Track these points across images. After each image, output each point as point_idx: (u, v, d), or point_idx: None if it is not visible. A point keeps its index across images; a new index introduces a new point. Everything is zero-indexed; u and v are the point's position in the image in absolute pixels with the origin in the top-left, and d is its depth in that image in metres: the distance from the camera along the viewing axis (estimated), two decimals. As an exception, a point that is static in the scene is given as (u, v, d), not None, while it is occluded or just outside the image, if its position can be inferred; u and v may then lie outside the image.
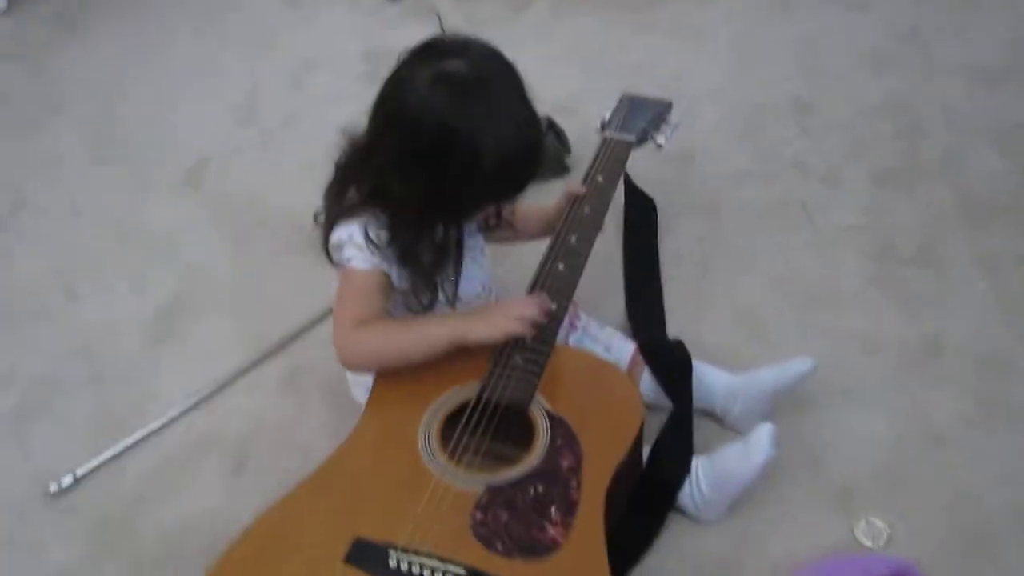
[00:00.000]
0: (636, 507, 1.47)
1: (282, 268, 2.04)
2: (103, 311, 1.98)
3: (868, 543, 1.49)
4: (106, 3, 3.05)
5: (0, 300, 2.02)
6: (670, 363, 1.63)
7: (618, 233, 2.01)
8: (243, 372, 1.82)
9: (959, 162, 2.20)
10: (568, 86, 2.44)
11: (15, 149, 2.47)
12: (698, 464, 1.51)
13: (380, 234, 1.39)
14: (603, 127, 1.88)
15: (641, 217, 2.03)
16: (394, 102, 1.33)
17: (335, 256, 1.43)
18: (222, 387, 1.80)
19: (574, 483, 1.30)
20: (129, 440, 1.71)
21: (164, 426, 1.73)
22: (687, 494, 1.50)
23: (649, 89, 2.00)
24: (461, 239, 1.45)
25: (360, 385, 1.58)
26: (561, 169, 2.21)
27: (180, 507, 1.61)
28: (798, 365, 1.59)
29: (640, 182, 2.06)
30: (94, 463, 1.67)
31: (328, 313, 1.86)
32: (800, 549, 1.48)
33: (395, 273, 1.42)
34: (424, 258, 1.39)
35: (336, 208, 1.44)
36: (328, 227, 1.44)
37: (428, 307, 1.46)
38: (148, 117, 2.55)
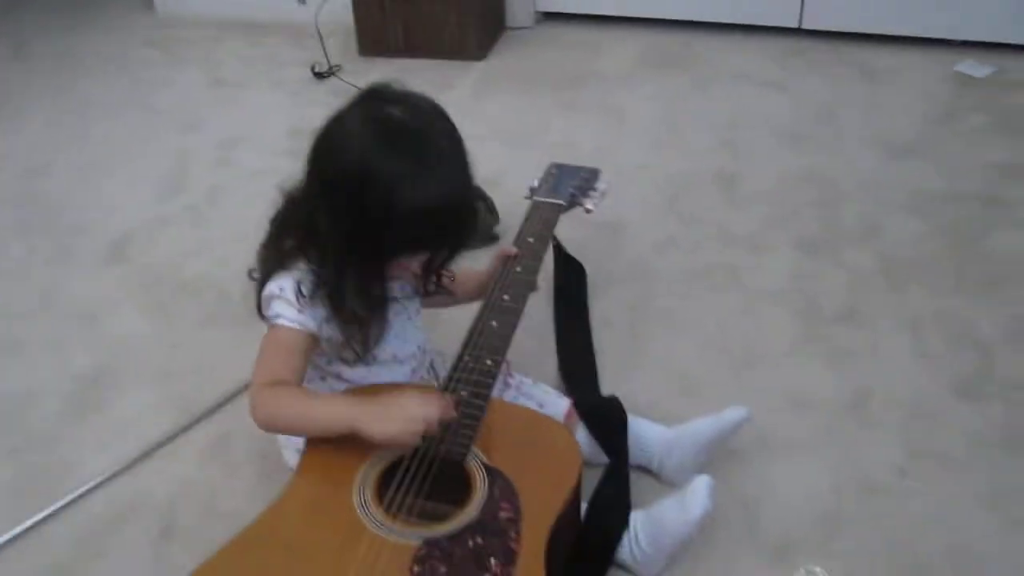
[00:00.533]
0: (575, 562, 1.45)
1: (208, 337, 2.01)
2: (21, 382, 1.92)
3: (809, 591, 1.48)
4: (33, 84, 3.05)
5: (-88, 371, 1.95)
6: (605, 418, 1.63)
7: (549, 299, 2.02)
8: (169, 439, 1.77)
9: (877, 227, 2.27)
10: (493, 162, 2.47)
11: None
12: (636, 519, 1.49)
13: (311, 288, 1.38)
14: (532, 193, 1.90)
15: (572, 281, 2.04)
16: (325, 140, 1.34)
17: (264, 309, 1.42)
18: (147, 454, 1.74)
19: (513, 534, 1.28)
20: (49, 509, 1.64)
21: (86, 494, 1.67)
22: (626, 549, 1.48)
23: (574, 162, 2.04)
24: (385, 291, 1.44)
25: (291, 448, 1.55)
26: (490, 239, 2.23)
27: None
28: (732, 414, 1.60)
29: (568, 250, 2.08)
30: (11, 533, 1.60)
31: (256, 380, 1.83)
32: (742, 600, 1.47)
33: (323, 331, 1.41)
34: (348, 303, 1.38)
35: (271, 262, 1.43)
36: (262, 281, 1.43)
37: (357, 360, 1.45)
38: (73, 192, 2.52)
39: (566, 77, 3.00)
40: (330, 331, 1.41)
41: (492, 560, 1.24)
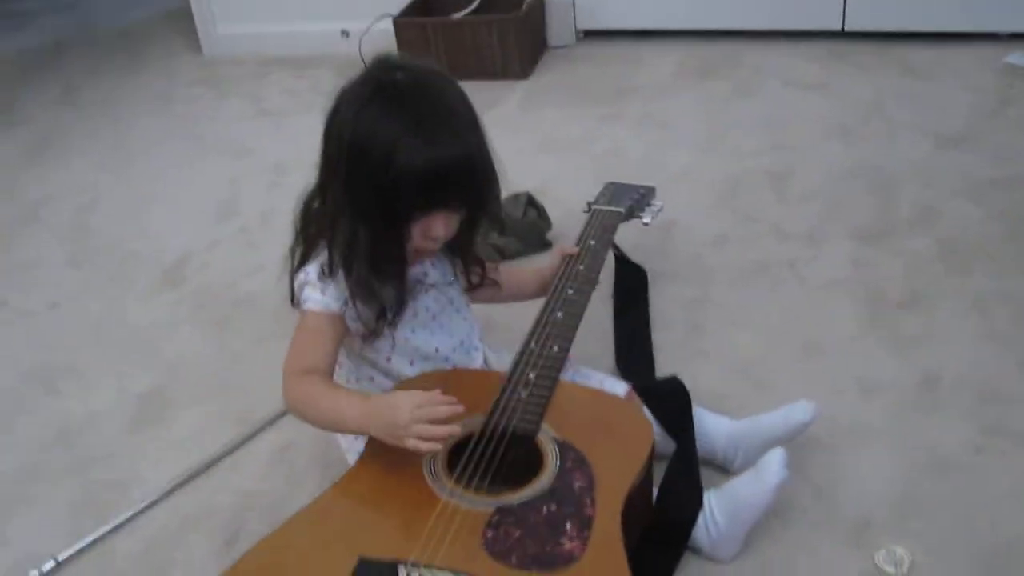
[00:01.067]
0: (649, 547, 1.41)
1: (265, 352, 2.00)
2: (84, 403, 1.93)
3: (891, 570, 1.43)
4: (82, 124, 3.10)
5: (-24, 399, 1.96)
6: (668, 398, 1.59)
7: (608, 303, 2.00)
8: (231, 450, 1.77)
9: (933, 215, 2.23)
10: (542, 173, 2.47)
11: (-11, 260, 2.45)
12: (710, 497, 1.46)
13: (331, 268, 1.40)
14: (590, 206, 1.91)
15: (632, 283, 2.03)
16: (330, 112, 1.37)
17: (296, 295, 1.45)
18: (210, 465, 1.74)
19: (588, 500, 1.25)
20: (113, 523, 1.63)
21: (150, 507, 1.67)
22: (702, 530, 1.44)
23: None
24: (403, 261, 1.42)
25: (353, 452, 1.53)
26: (542, 245, 2.22)
27: (170, 587, 1.53)
28: (799, 415, 1.56)
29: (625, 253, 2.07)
30: (77, 547, 1.60)
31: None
32: (822, 584, 1.43)
33: (348, 313, 1.42)
34: (364, 274, 1.38)
35: (298, 254, 1.47)
36: (294, 270, 1.46)
37: (374, 335, 1.45)
38: (124, 223, 2.55)
39: (609, 90, 3.00)
40: (356, 312, 1.42)
41: (568, 524, 1.22)
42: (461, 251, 1.55)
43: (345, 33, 3.39)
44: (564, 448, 1.33)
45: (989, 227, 2.17)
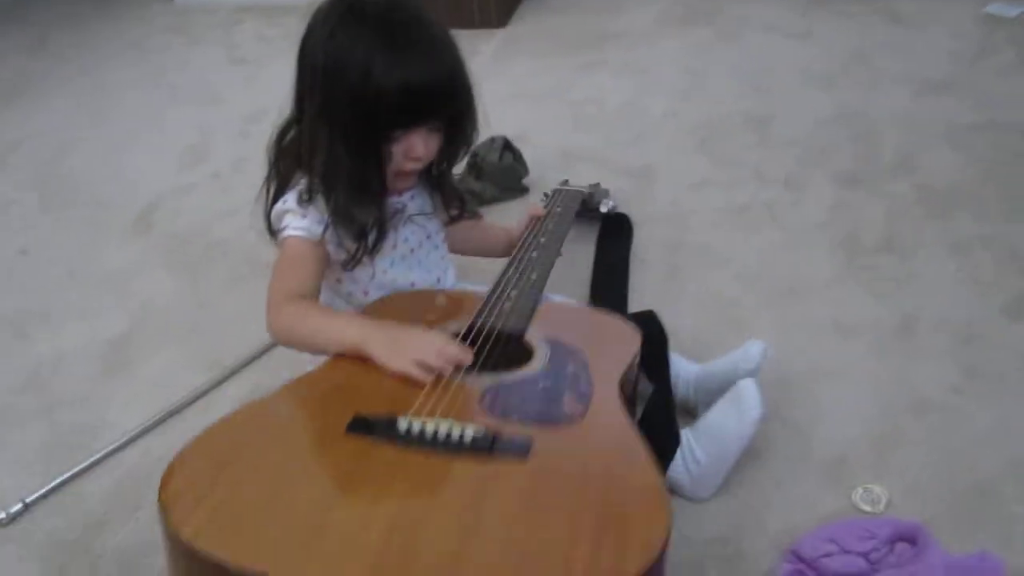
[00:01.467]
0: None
1: (236, 296, 1.98)
2: (54, 347, 1.89)
3: (868, 508, 1.42)
4: (55, 71, 3.04)
5: (-58, 343, 1.93)
6: (646, 336, 1.57)
7: (589, 247, 1.99)
8: (202, 393, 1.74)
9: (914, 160, 2.21)
10: (520, 120, 2.43)
11: (-43, 205, 2.40)
12: (688, 435, 1.45)
13: (309, 193, 1.38)
14: (547, 197, 1.93)
15: (616, 229, 2.02)
16: (304, 36, 1.34)
17: (274, 226, 1.42)
18: (181, 408, 1.71)
19: (583, 379, 1.23)
20: (82, 465, 1.61)
21: (120, 448, 1.64)
22: (681, 469, 1.43)
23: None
24: (380, 183, 1.40)
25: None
26: (519, 189, 2.19)
27: (141, 528, 1.50)
28: (747, 358, 1.54)
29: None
30: (45, 489, 1.57)
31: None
32: (799, 521, 1.41)
33: (329, 237, 1.39)
34: (342, 197, 1.36)
35: (274, 185, 1.44)
36: (270, 205, 1.43)
37: (354, 260, 1.42)
38: (96, 168, 2.50)
39: (588, 38, 2.97)
40: (336, 238, 1.40)
41: (566, 395, 1.19)
42: (439, 180, 1.53)
43: (320, -20, 3.33)
44: (555, 343, 1.32)
45: (969, 172, 2.16)
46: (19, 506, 1.54)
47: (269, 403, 1.19)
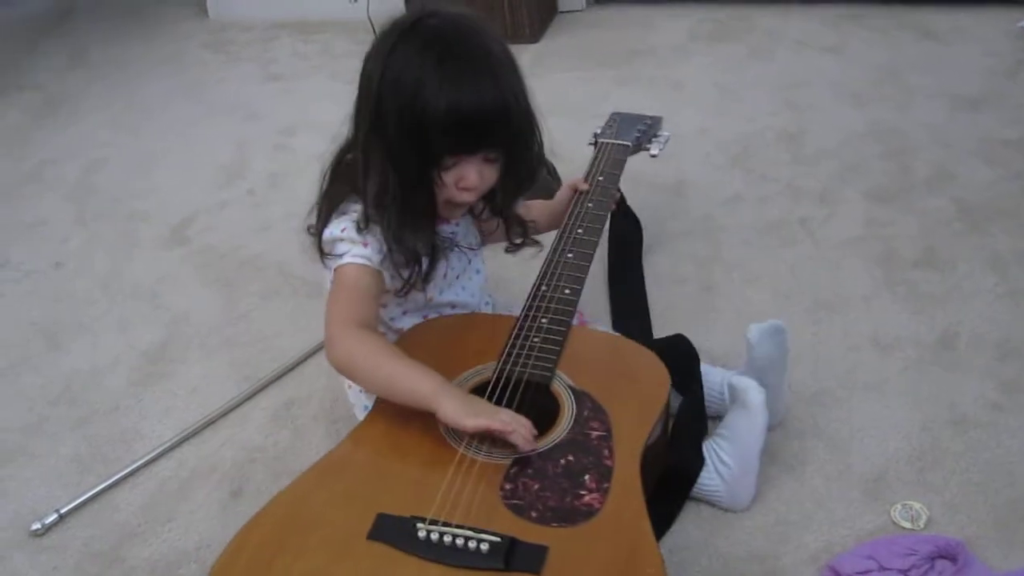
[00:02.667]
0: (654, 498, 1.39)
1: (270, 310, 1.99)
2: (88, 360, 1.90)
3: (907, 525, 1.41)
4: (89, 87, 3.07)
5: (-22, 355, 1.94)
6: (674, 355, 1.55)
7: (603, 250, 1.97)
8: (235, 405, 1.74)
9: (950, 175, 2.19)
10: (552, 135, 2.40)
11: (-6, 218, 2.42)
12: (712, 444, 1.46)
13: (366, 221, 1.35)
14: (595, 138, 1.87)
15: (628, 233, 1.99)
16: (365, 59, 1.33)
17: (328, 252, 1.39)
18: (214, 420, 1.71)
19: (606, 451, 1.23)
20: (116, 476, 1.61)
21: (154, 460, 1.65)
22: (715, 477, 1.42)
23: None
24: (433, 207, 1.39)
25: (360, 407, 1.51)
26: (552, 202, 2.18)
27: (174, 538, 1.51)
28: (750, 337, 1.53)
29: (633, 209, 2.02)
30: (79, 500, 1.58)
31: (320, 346, 1.80)
32: (838, 538, 1.40)
33: (386, 267, 1.37)
34: (398, 226, 1.33)
35: (326, 208, 1.41)
36: (321, 227, 1.40)
37: (408, 285, 1.41)
38: (131, 183, 2.52)
39: (620, 53, 2.96)
40: (392, 266, 1.38)
41: (586, 476, 1.20)
42: (502, 210, 1.50)
43: (353, -1, 3.35)
44: (580, 396, 1.31)
45: (1005, 187, 2.14)
46: (54, 516, 1.55)
47: (296, 497, 1.20)
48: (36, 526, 1.53)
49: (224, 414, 1.73)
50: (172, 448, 1.67)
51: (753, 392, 1.42)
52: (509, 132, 1.32)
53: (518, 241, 1.57)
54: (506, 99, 1.29)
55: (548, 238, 1.62)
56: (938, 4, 3.01)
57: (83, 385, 1.84)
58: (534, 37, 3.10)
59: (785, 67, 2.78)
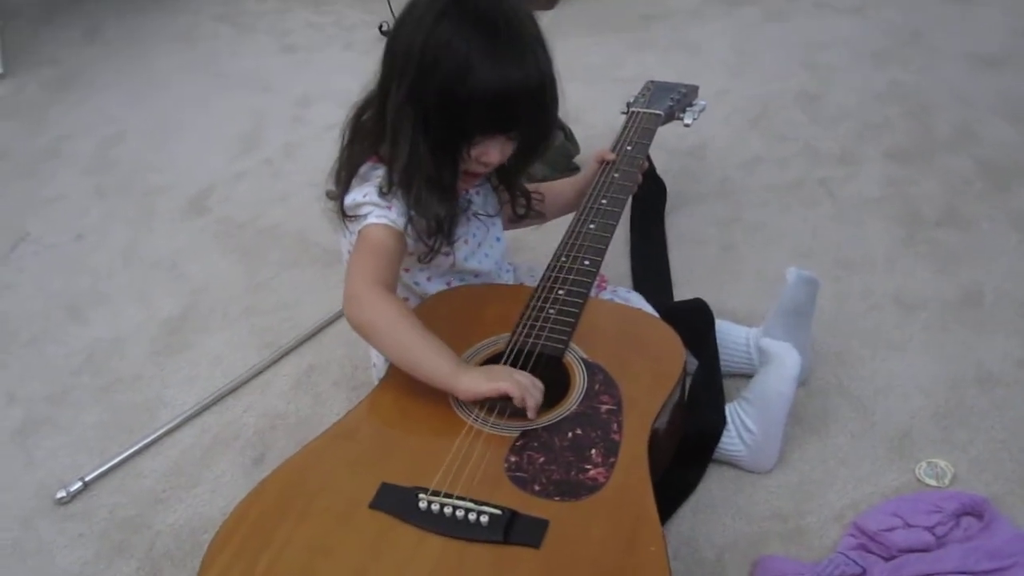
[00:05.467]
0: (675, 463, 1.39)
1: (290, 279, 1.98)
2: (109, 330, 1.91)
3: (933, 483, 1.40)
4: (105, 62, 3.06)
5: (3, 327, 1.94)
6: (691, 318, 1.55)
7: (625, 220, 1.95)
8: (256, 373, 1.75)
9: (972, 135, 2.17)
10: (571, 99, 2.36)
11: (14, 193, 2.41)
12: (736, 408, 1.45)
13: (388, 186, 1.35)
14: (628, 107, 1.85)
15: (651, 196, 1.97)
16: (399, 24, 1.32)
17: (351, 216, 1.38)
18: (235, 388, 1.72)
19: (615, 426, 1.22)
20: (140, 443, 1.62)
21: (177, 427, 1.65)
22: (737, 442, 1.42)
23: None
24: (456, 180, 1.37)
25: (380, 368, 1.51)
26: (570, 168, 2.17)
27: (199, 504, 1.52)
28: (791, 275, 1.52)
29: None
30: (103, 468, 1.58)
31: (340, 314, 1.81)
32: (863, 496, 1.40)
33: (409, 230, 1.36)
34: (422, 193, 1.32)
35: (347, 171, 1.40)
36: (342, 192, 1.40)
37: (433, 252, 1.40)
38: (148, 156, 2.52)
39: (636, 18, 2.94)
40: (415, 230, 1.37)
41: (593, 451, 1.19)
42: (509, 182, 1.51)
43: (367, -32, 3.33)
44: (592, 369, 1.30)
45: (1028, 147, 2.12)
46: (79, 484, 1.56)
47: (302, 465, 1.21)
48: (61, 494, 1.54)
49: (246, 381, 1.73)
50: (195, 416, 1.67)
51: (790, 358, 1.40)
52: (542, 113, 1.33)
53: (521, 212, 1.56)
54: (544, 82, 1.30)
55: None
56: (958, -37, 2.98)
57: (106, 355, 1.84)
58: (550, 3, 3.08)
59: (803, 29, 2.75)
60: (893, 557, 1.27)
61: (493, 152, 1.34)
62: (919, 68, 2.47)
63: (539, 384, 1.24)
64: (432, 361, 1.26)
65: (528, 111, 1.30)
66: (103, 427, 1.68)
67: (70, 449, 1.65)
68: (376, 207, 1.35)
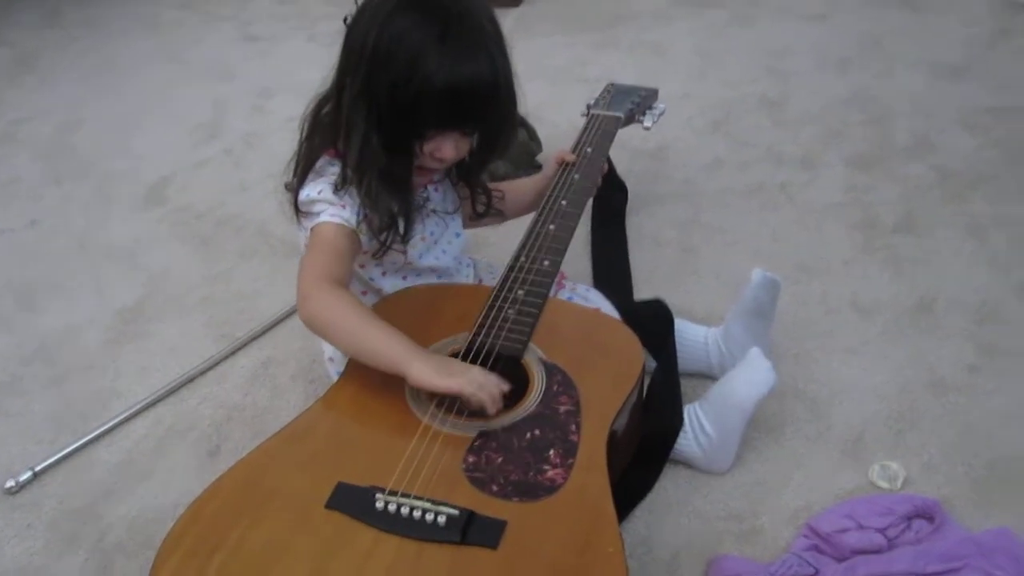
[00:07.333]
0: (632, 463, 1.40)
1: (248, 270, 1.97)
2: (62, 318, 1.88)
3: (885, 485, 1.42)
4: (65, 47, 3.02)
5: (-49, 314, 1.92)
6: (650, 319, 1.56)
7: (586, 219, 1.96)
8: (213, 364, 1.73)
9: (930, 143, 2.20)
10: (534, 97, 2.36)
11: (-34, 177, 2.38)
12: (696, 409, 1.45)
13: (343, 182, 1.34)
14: (588, 109, 1.85)
15: (612, 197, 1.98)
16: (355, 17, 1.30)
17: (304, 212, 1.37)
18: (191, 378, 1.70)
19: (573, 427, 1.22)
20: (92, 433, 1.60)
21: (131, 418, 1.63)
22: (693, 444, 1.42)
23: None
24: (410, 174, 1.37)
25: (338, 362, 1.50)
26: (532, 166, 2.17)
27: (151, 496, 1.50)
28: (755, 275, 1.53)
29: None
30: (54, 458, 1.56)
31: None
32: (817, 498, 1.41)
33: (362, 228, 1.35)
34: (374, 187, 1.32)
35: (304, 165, 1.39)
36: (297, 185, 1.39)
37: (385, 248, 1.39)
38: (108, 141, 2.49)
39: (602, 18, 2.95)
40: (369, 227, 1.36)
41: (551, 452, 1.19)
42: (469, 178, 1.51)
43: (333, -40, 3.30)
44: (551, 370, 1.30)
45: (985, 155, 2.15)
46: (28, 474, 1.53)
47: (257, 463, 1.19)
48: (10, 484, 1.52)
49: (202, 373, 1.72)
50: (149, 406, 1.65)
51: (763, 370, 1.40)
52: (495, 110, 1.32)
53: (481, 210, 1.56)
54: (497, 79, 1.29)
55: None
56: (920, -27, 3.01)
57: (58, 344, 1.82)
58: (515, 1, 3.08)
59: (767, 34, 2.77)
60: (845, 558, 1.28)
61: (447, 148, 1.33)
62: (880, 76, 2.50)
63: (494, 380, 1.24)
64: (385, 345, 1.25)
65: (481, 108, 1.30)
66: (55, 417, 1.66)
67: (20, 438, 1.62)
68: (330, 205, 1.34)
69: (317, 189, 1.35)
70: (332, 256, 1.33)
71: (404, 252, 1.43)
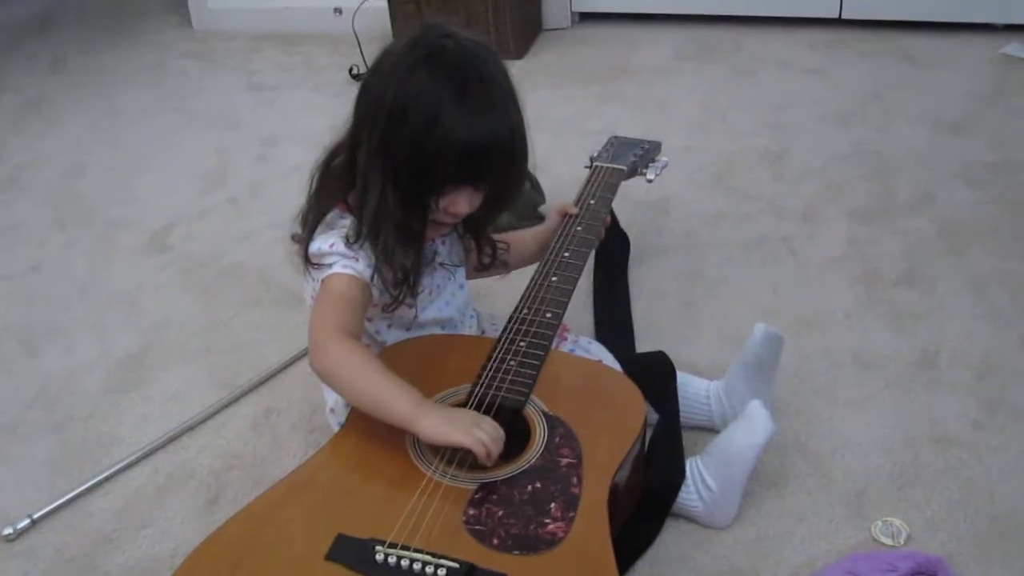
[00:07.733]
0: (633, 517, 1.39)
1: (250, 319, 1.97)
2: (63, 363, 1.88)
3: (888, 542, 1.41)
4: (70, 94, 3.05)
5: (-49, 359, 1.92)
6: (652, 371, 1.56)
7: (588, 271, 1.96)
8: (213, 413, 1.73)
9: (931, 197, 2.21)
10: (537, 149, 2.37)
11: (-30, 223, 2.39)
12: (697, 463, 1.44)
13: (355, 236, 1.34)
14: (592, 161, 1.87)
15: (614, 248, 1.99)
16: (371, 71, 1.32)
17: (315, 263, 1.38)
18: (192, 427, 1.70)
19: (574, 479, 1.22)
20: (91, 481, 1.59)
21: (130, 466, 1.63)
22: (695, 497, 1.41)
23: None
24: (424, 229, 1.38)
25: (339, 413, 1.50)
26: (535, 217, 2.18)
27: (149, 545, 1.49)
28: (756, 330, 1.53)
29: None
30: (53, 505, 1.55)
31: (301, 355, 1.80)
32: (818, 554, 1.40)
33: (375, 281, 1.36)
34: (389, 243, 1.32)
35: (314, 217, 1.40)
36: (307, 237, 1.39)
37: (397, 303, 1.40)
38: (111, 189, 2.51)
39: (605, 71, 2.97)
40: (382, 281, 1.37)
41: (552, 505, 1.19)
42: (476, 231, 1.52)
43: (338, 11, 3.34)
44: (553, 422, 1.30)
45: (986, 209, 2.15)
46: (26, 522, 1.53)
47: (258, 514, 1.19)
48: (8, 531, 1.51)
49: (202, 421, 1.71)
50: (149, 454, 1.65)
51: (762, 420, 1.40)
52: (511, 166, 1.34)
53: (487, 262, 1.56)
54: (514, 135, 1.31)
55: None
56: (920, 30, 3.04)
57: (59, 390, 1.82)
58: (519, 54, 3.11)
59: (769, 88, 2.79)
60: (849, 615, 1.27)
61: (461, 203, 1.34)
62: (880, 130, 2.51)
63: (500, 433, 1.24)
64: (395, 399, 1.25)
65: (497, 164, 1.31)
66: (53, 463, 1.65)
67: (18, 484, 1.62)
68: (342, 257, 1.35)
69: (329, 242, 1.35)
70: (345, 307, 1.34)
71: (414, 307, 1.43)
